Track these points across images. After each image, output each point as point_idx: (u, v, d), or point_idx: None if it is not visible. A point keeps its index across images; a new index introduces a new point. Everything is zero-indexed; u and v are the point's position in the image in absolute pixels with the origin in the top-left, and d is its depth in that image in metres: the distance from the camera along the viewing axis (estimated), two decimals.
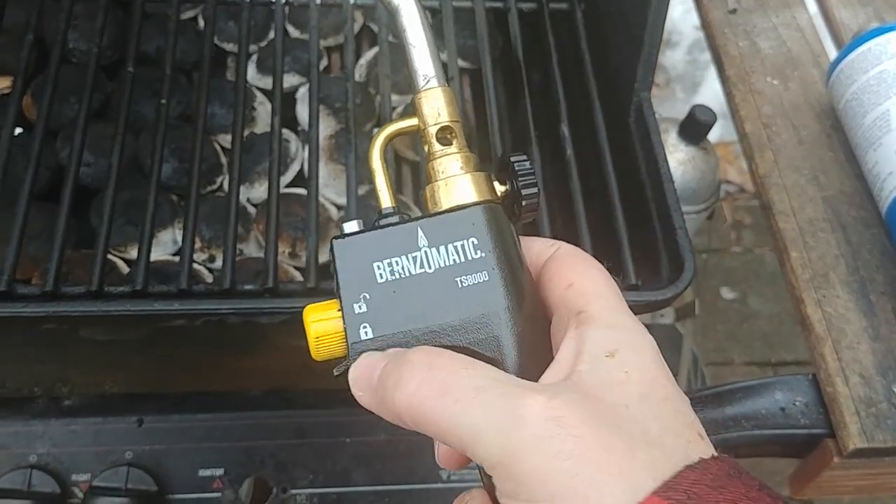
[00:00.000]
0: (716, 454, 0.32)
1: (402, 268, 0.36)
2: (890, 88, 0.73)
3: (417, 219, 0.37)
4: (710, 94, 2.36)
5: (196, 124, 0.66)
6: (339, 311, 0.37)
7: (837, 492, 0.69)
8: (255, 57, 0.83)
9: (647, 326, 0.37)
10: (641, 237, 0.60)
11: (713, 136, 0.84)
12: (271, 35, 0.84)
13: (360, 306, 0.36)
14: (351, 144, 0.65)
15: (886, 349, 0.67)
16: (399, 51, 0.83)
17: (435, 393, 0.32)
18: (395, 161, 0.73)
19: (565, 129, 0.64)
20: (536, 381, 0.34)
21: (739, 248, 2.18)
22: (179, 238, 0.73)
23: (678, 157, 0.80)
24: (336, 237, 0.38)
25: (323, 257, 0.73)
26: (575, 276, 0.37)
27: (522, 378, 0.33)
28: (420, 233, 0.36)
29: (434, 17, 0.86)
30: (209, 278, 0.70)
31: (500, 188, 0.39)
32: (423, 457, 0.76)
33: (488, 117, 0.67)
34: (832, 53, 0.87)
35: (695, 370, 1.04)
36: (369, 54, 0.85)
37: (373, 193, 0.40)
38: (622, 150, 0.64)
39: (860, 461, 0.64)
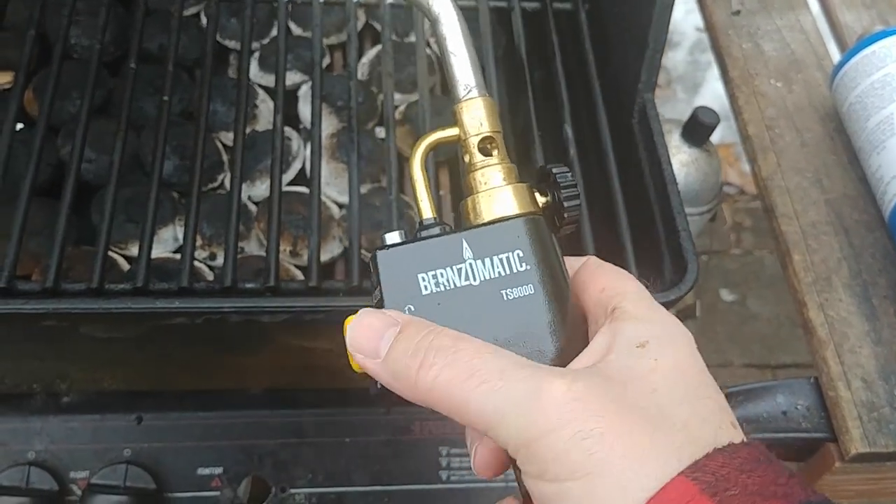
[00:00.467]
0: (746, 440, 0.32)
1: (448, 280, 0.36)
2: (894, 92, 0.73)
3: (461, 230, 0.37)
4: (711, 94, 2.35)
5: (198, 122, 0.66)
6: None
7: (839, 496, 0.68)
8: (256, 54, 0.83)
9: None
10: (645, 239, 0.60)
11: (713, 137, 0.84)
12: (273, 33, 0.84)
13: None
14: (353, 143, 0.65)
15: (889, 353, 0.66)
16: (402, 49, 0.83)
17: (460, 375, 0.32)
18: (398, 162, 0.73)
19: (569, 130, 0.64)
20: None
21: (739, 249, 2.18)
22: (180, 235, 0.73)
23: (681, 159, 0.79)
24: (379, 248, 0.37)
25: (324, 256, 0.73)
26: (607, 280, 0.37)
27: None
28: (465, 245, 0.36)
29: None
30: (210, 276, 0.70)
31: (540, 199, 0.39)
32: (422, 457, 0.76)
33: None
34: (836, 56, 0.87)
35: None
36: (371, 52, 0.85)
37: (414, 204, 0.40)
38: (625, 151, 0.64)
39: (862, 466, 0.64)
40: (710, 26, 0.88)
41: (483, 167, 0.39)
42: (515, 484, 0.36)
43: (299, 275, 0.71)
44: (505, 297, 0.36)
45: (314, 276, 0.56)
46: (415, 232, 0.38)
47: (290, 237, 0.71)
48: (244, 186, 0.74)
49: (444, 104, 0.79)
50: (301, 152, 0.77)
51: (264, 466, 0.75)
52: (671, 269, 0.57)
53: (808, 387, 0.67)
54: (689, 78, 2.38)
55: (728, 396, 0.67)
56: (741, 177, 2.26)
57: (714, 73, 2.35)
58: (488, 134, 0.39)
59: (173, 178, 0.74)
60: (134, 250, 0.71)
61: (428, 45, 0.85)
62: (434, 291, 0.36)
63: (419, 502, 0.73)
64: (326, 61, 0.84)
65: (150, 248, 0.56)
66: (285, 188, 0.75)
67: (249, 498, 0.73)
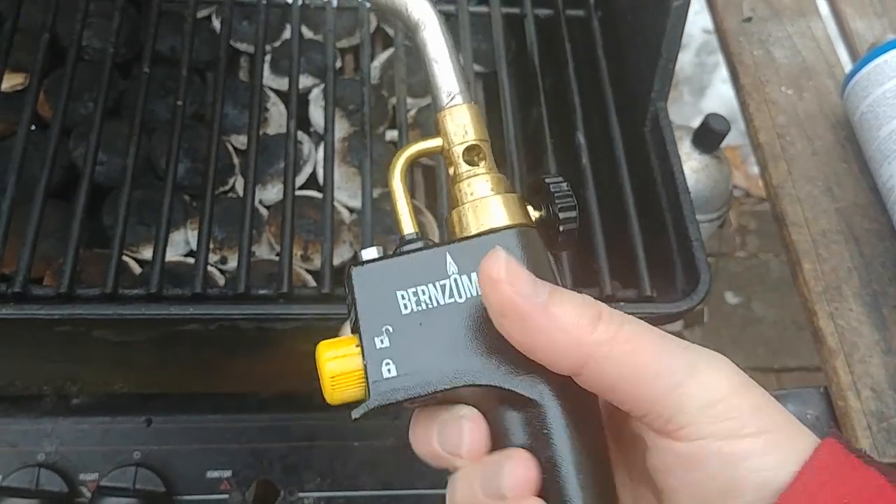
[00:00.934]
0: None
1: (430, 297, 0.33)
2: None
3: (445, 244, 0.34)
4: (718, 97, 2.35)
5: (211, 125, 0.66)
6: (357, 346, 0.33)
7: None
8: (268, 57, 0.83)
9: None
10: (656, 248, 0.60)
11: None
12: (285, 36, 0.84)
13: (381, 340, 0.33)
14: (366, 148, 0.65)
15: None
16: (413, 53, 0.83)
17: (648, 335, 0.33)
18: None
19: (581, 138, 0.64)
20: None
21: (744, 252, 2.18)
22: (191, 239, 0.73)
23: (691, 166, 0.79)
24: (354, 264, 0.35)
25: (337, 260, 0.73)
26: None
27: None
28: (449, 259, 0.34)
29: (448, 21, 0.86)
30: (221, 280, 0.70)
31: (534, 213, 0.36)
32: None
33: (503, 123, 0.67)
34: (847, 63, 0.87)
35: None
36: (383, 56, 0.85)
37: (393, 217, 0.37)
38: (638, 159, 0.64)
39: None
40: (721, 33, 0.88)
41: (469, 177, 0.36)
42: None
43: (310, 280, 0.71)
44: None
45: (327, 283, 0.56)
46: (395, 248, 0.35)
47: (301, 241, 0.72)
48: (256, 190, 0.74)
49: None
50: (312, 156, 0.78)
51: (273, 470, 0.75)
52: (683, 279, 0.57)
53: (818, 396, 0.67)
54: (696, 80, 2.38)
55: None
56: (747, 179, 2.26)
57: (721, 75, 2.35)
58: (474, 142, 0.36)
59: (185, 182, 0.74)
60: (146, 253, 0.71)
61: (406, 26, 0.85)
62: (415, 310, 0.33)
63: None
64: (338, 65, 0.84)
65: (164, 253, 0.57)
66: (296, 193, 0.75)
67: (258, 501, 0.73)
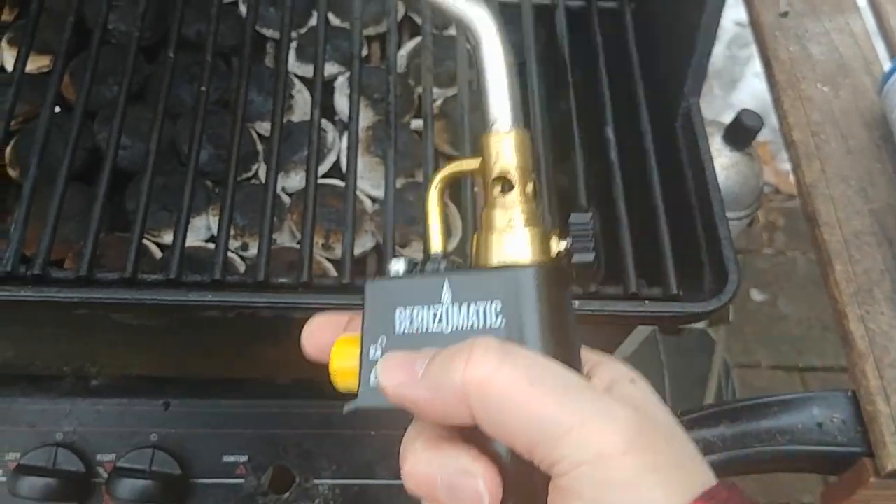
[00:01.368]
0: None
1: (422, 321, 0.34)
2: None
3: (450, 271, 0.35)
4: (749, 91, 2.32)
5: (235, 111, 0.66)
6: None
7: None
8: (294, 44, 0.82)
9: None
10: (684, 245, 0.59)
11: None
12: (311, 22, 0.83)
13: (375, 350, 0.35)
14: (391, 139, 0.64)
15: None
16: (440, 42, 0.82)
17: (521, 379, 0.31)
18: (434, 157, 0.72)
19: (610, 132, 0.63)
20: None
21: (771, 249, 2.15)
22: (213, 224, 0.72)
23: (721, 162, 0.78)
24: (371, 279, 0.37)
25: (356, 250, 0.72)
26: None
27: None
28: (446, 287, 0.34)
29: None
30: (242, 267, 0.70)
31: (557, 246, 0.35)
32: None
33: (530, 117, 0.66)
34: (885, 61, 0.84)
35: (726, 379, 1.03)
36: (410, 45, 0.84)
37: (424, 235, 0.38)
38: (668, 155, 0.63)
39: None
40: (756, 27, 0.86)
41: (497, 206, 0.36)
42: None
43: (331, 269, 0.70)
44: None
45: (347, 273, 0.55)
46: (419, 264, 0.37)
47: (322, 230, 0.71)
48: (279, 177, 0.74)
49: (480, 99, 0.78)
50: (336, 144, 0.77)
51: (289, 456, 0.75)
52: (711, 278, 0.56)
53: (845, 399, 0.66)
54: (727, 74, 2.35)
55: (762, 406, 0.66)
56: (777, 175, 2.23)
57: (752, 69, 2.31)
58: (510, 170, 0.36)
59: (207, 167, 0.74)
60: (167, 238, 0.71)
61: (468, 39, 0.84)
62: (406, 331, 0.35)
63: None
64: (364, 53, 0.84)
65: (184, 238, 0.56)
66: (320, 180, 0.74)
67: (273, 487, 0.73)
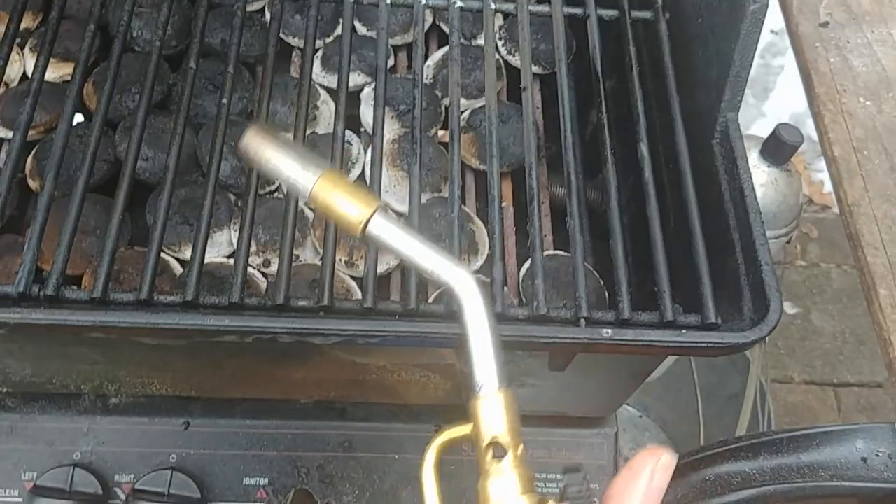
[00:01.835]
0: None
1: None
2: None
3: None
4: (782, 101, 2.28)
5: (257, 121, 0.64)
6: None
7: None
8: (319, 53, 0.81)
9: None
10: (723, 270, 0.56)
11: None
12: (338, 31, 0.81)
13: None
14: (416, 155, 0.62)
15: None
16: (468, 52, 0.80)
17: None
18: (461, 172, 0.70)
19: (644, 149, 0.61)
20: None
21: (805, 262, 2.11)
22: (235, 239, 0.71)
23: (759, 179, 0.75)
24: None
25: (381, 267, 0.70)
26: None
27: None
28: None
29: (507, 19, 0.83)
30: (263, 284, 0.68)
31: None
32: (472, 478, 0.74)
33: (561, 130, 0.63)
34: None
35: (761, 401, 1.00)
36: (437, 55, 0.82)
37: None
38: (704, 173, 0.60)
39: None
40: (794, 37, 0.83)
41: (491, 475, 0.37)
42: None
43: (355, 287, 0.68)
44: None
45: (370, 297, 0.53)
46: None
47: (345, 247, 0.69)
48: None
49: (511, 111, 0.76)
50: (361, 157, 0.75)
51: (311, 480, 0.73)
52: (751, 306, 0.53)
53: (891, 433, 0.62)
54: (760, 82, 2.30)
55: (804, 438, 0.63)
56: (811, 186, 2.19)
57: (786, 78, 2.27)
58: (500, 436, 0.37)
59: (230, 180, 0.72)
60: (187, 252, 0.69)
61: (497, 49, 0.82)
62: None
63: None
64: (390, 63, 0.82)
65: (202, 258, 0.54)
66: None
67: None
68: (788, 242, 0.83)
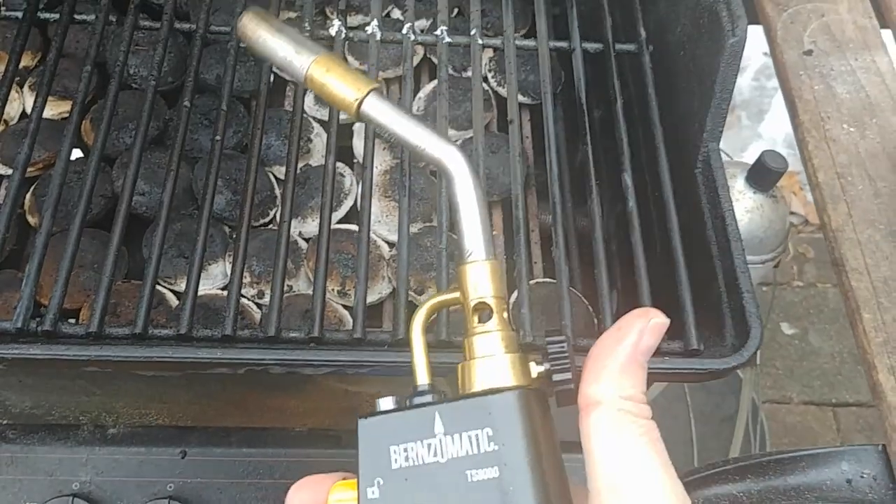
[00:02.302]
0: None
1: (417, 454, 0.35)
2: None
3: (439, 403, 0.36)
4: (777, 122, 2.30)
5: (250, 155, 0.65)
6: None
7: None
8: None
9: None
10: (705, 297, 0.58)
11: None
12: None
13: (373, 491, 0.35)
14: (405, 187, 0.63)
15: None
16: (459, 84, 0.82)
17: None
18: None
19: (628, 179, 0.62)
20: None
21: (801, 282, 2.12)
22: (230, 271, 0.72)
23: (745, 205, 0.76)
24: (363, 416, 0.37)
25: (373, 297, 0.72)
26: None
27: None
28: (437, 418, 0.36)
29: (496, 53, 0.85)
30: (257, 315, 0.69)
31: (537, 369, 0.38)
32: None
33: (547, 161, 0.65)
34: None
35: (754, 420, 1.00)
36: (428, 87, 0.83)
37: (410, 368, 0.39)
38: (687, 202, 0.62)
39: None
40: (779, 66, 0.84)
41: (478, 334, 0.38)
42: None
43: (347, 316, 0.69)
44: (470, 479, 0.34)
45: (359, 327, 0.54)
46: (407, 398, 0.38)
47: (338, 277, 0.70)
48: (295, 222, 0.74)
49: (501, 142, 0.77)
50: (354, 189, 0.76)
51: None
52: (733, 332, 0.55)
53: (876, 455, 0.64)
54: (755, 104, 2.33)
55: (790, 461, 0.64)
56: (805, 206, 2.20)
57: (781, 99, 2.29)
58: (486, 299, 0.38)
59: (225, 213, 0.74)
60: (183, 285, 0.71)
61: (485, 80, 0.84)
62: (403, 466, 0.35)
63: None
64: None
65: (195, 291, 0.56)
66: (336, 226, 0.74)
67: None
68: (776, 266, 0.84)
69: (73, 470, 0.73)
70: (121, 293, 0.68)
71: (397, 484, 0.35)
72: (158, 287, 0.69)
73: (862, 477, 0.63)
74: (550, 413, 0.38)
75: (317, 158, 0.79)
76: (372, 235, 0.73)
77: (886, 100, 0.81)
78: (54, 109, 0.80)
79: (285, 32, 0.43)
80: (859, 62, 0.84)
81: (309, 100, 0.82)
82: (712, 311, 0.57)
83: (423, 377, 0.39)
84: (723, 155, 0.64)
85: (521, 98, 0.81)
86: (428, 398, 0.37)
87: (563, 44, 0.72)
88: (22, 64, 0.78)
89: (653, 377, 0.56)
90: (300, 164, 0.76)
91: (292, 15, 0.86)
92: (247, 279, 0.70)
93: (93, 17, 0.71)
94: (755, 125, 2.30)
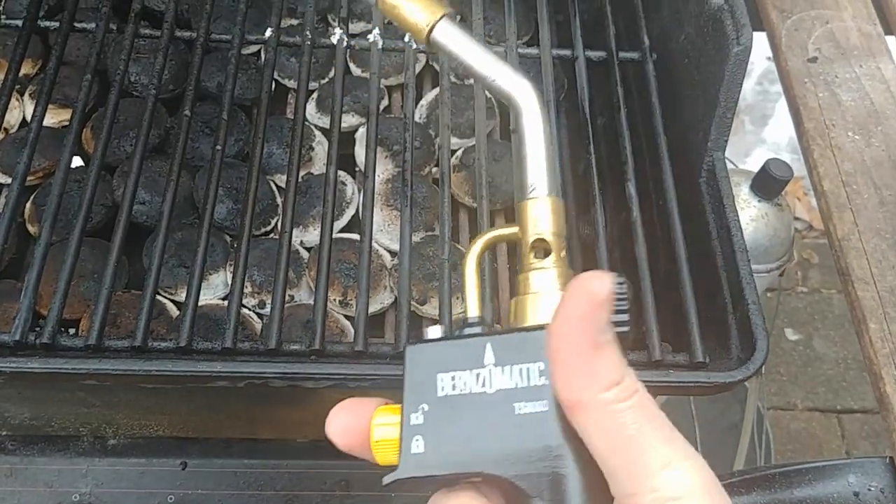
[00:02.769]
0: None
1: (464, 383, 0.35)
2: None
3: (491, 334, 0.35)
4: (781, 127, 2.29)
5: (251, 164, 0.65)
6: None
7: None
8: (315, 94, 0.82)
9: None
10: (710, 308, 0.57)
11: None
12: (332, 73, 0.83)
13: (417, 417, 0.35)
14: (406, 197, 0.63)
15: None
16: (462, 91, 0.81)
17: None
18: (451, 206, 0.71)
19: (632, 189, 0.61)
20: None
21: (806, 288, 2.11)
22: (231, 282, 0.72)
23: (750, 214, 0.76)
24: (410, 342, 0.37)
25: (375, 306, 0.71)
26: None
27: None
28: (488, 349, 0.35)
29: None
30: (258, 325, 0.69)
31: None
32: None
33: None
34: None
35: (759, 428, 1.00)
36: (430, 94, 0.83)
37: (462, 298, 0.40)
38: (692, 212, 0.61)
39: None
40: (783, 73, 0.84)
41: (533, 269, 0.37)
42: None
43: (349, 327, 0.69)
44: (517, 411, 0.34)
45: (360, 339, 0.54)
46: (456, 329, 0.37)
47: (340, 287, 0.70)
48: (297, 232, 0.73)
49: (502, 150, 0.77)
50: (356, 198, 0.76)
51: None
52: (738, 344, 0.54)
53: (883, 467, 0.63)
54: (759, 109, 2.32)
55: (796, 474, 0.64)
56: (809, 212, 2.19)
57: (784, 104, 2.28)
58: (545, 236, 0.37)
59: (227, 222, 0.73)
60: (184, 295, 0.70)
61: (510, 108, 0.83)
62: (449, 394, 0.35)
63: None
64: (385, 103, 0.83)
65: (196, 302, 0.55)
66: (338, 235, 0.73)
67: None
68: (781, 275, 0.83)
69: (72, 481, 0.72)
70: (121, 303, 0.68)
71: (442, 411, 0.34)
72: (159, 297, 0.69)
73: (869, 490, 0.62)
74: None
75: (318, 166, 0.78)
76: (374, 244, 0.72)
77: (892, 107, 0.80)
78: (55, 117, 0.79)
79: None
80: (864, 69, 0.83)
81: (310, 107, 0.81)
82: (717, 323, 0.56)
83: (474, 309, 0.38)
84: (727, 162, 0.63)
85: None
86: (478, 329, 0.37)
87: (567, 52, 0.72)
88: (23, 72, 0.78)
89: (658, 391, 0.56)
90: (302, 173, 0.76)
91: (294, 22, 0.86)
92: (248, 289, 0.70)
93: (93, 25, 0.71)
94: (759, 130, 2.29)
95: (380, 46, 0.71)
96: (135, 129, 0.77)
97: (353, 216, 0.76)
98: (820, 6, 0.87)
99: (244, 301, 0.69)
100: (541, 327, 0.35)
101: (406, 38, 0.72)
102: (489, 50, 0.40)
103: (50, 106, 0.73)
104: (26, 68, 0.83)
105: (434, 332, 0.37)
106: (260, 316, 0.70)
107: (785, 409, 1.88)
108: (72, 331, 0.69)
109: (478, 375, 0.34)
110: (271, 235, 0.75)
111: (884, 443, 1.84)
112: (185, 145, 0.65)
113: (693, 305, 0.56)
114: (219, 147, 0.63)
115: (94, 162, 0.63)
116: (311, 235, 0.74)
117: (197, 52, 0.70)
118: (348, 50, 0.73)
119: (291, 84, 0.83)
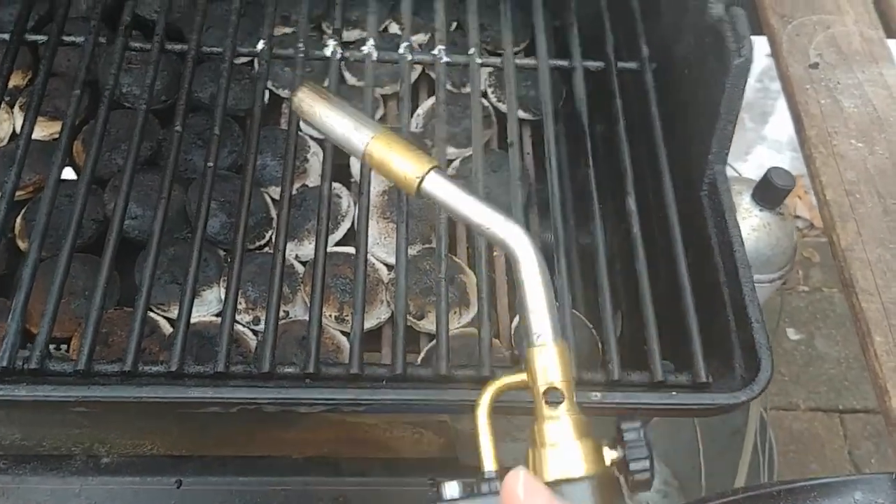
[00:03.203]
0: None
1: None
2: None
3: None
4: (781, 125, 2.27)
5: (244, 177, 0.64)
6: None
7: None
8: None
9: None
10: (713, 326, 0.56)
11: None
12: (326, 83, 0.81)
13: None
14: (402, 211, 0.62)
15: None
16: (458, 101, 0.80)
17: None
18: (447, 218, 0.69)
19: (631, 203, 0.60)
20: None
21: (807, 287, 2.10)
22: (224, 299, 0.70)
23: (752, 223, 0.75)
24: (433, 501, 0.37)
25: (371, 322, 0.70)
26: None
27: None
28: None
29: (497, 72, 0.83)
30: (252, 342, 0.68)
31: (610, 455, 0.38)
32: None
33: (549, 187, 0.63)
34: None
35: (762, 436, 0.99)
36: (427, 103, 0.82)
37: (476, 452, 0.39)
38: (693, 227, 0.60)
39: None
40: (785, 79, 0.83)
41: (548, 420, 0.38)
42: None
43: (345, 343, 0.68)
44: None
45: (356, 362, 0.53)
46: (474, 483, 0.37)
47: (335, 303, 0.69)
48: (291, 245, 0.72)
49: (499, 159, 0.76)
50: (351, 211, 0.75)
51: None
52: (742, 364, 0.53)
53: (889, 483, 0.62)
54: (758, 106, 2.30)
55: (801, 491, 0.62)
56: (810, 210, 2.18)
57: (784, 101, 2.27)
58: (557, 384, 0.38)
59: (220, 236, 0.72)
60: (176, 312, 0.69)
61: (485, 95, 0.82)
62: None
63: None
64: (381, 112, 0.82)
65: (187, 325, 0.54)
66: (333, 248, 0.72)
67: None
68: (783, 284, 0.82)
69: (65, 501, 0.71)
70: (113, 321, 0.67)
71: None
72: (151, 314, 0.68)
73: None
74: (623, 495, 0.38)
75: (313, 178, 0.77)
76: (370, 258, 0.71)
77: (894, 114, 0.79)
78: (45, 130, 0.78)
79: (343, 108, 0.43)
80: (866, 75, 0.82)
81: None
82: (720, 341, 0.55)
83: (490, 463, 0.38)
84: (727, 168, 0.62)
85: (522, 114, 0.79)
86: (496, 486, 0.37)
87: (564, 62, 0.71)
88: (12, 83, 0.77)
89: (661, 413, 0.55)
90: (296, 185, 0.74)
91: (288, 30, 0.84)
92: (242, 305, 0.68)
93: (82, 38, 0.69)
94: (759, 127, 2.27)
95: (374, 58, 0.70)
96: (126, 141, 0.76)
97: (348, 229, 0.75)
98: (821, 11, 0.86)
99: (238, 317, 0.68)
100: (561, 482, 0.36)
101: (401, 50, 0.70)
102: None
103: (40, 118, 0.72)
104: (16, 80, 0.81)
105: (451, 489, 0.37)
106: (254, 332, 0.69)
107: (787, 410, 1.87)
108: (63, 347, 0.68)
109: None
110: (265, 249, 0.74)
111: (887, 443, 1.83)
112: (176, 160, 0.63)
113: (695, 323, 0.55)
114: (210, 164, 0.62)
115: (84, 176, 0.62)
116: (307, 249, 0.73)
117: (188, 64, 0.68)
118: (342, 62, 0.72)
119: (285, 94, 0.82)
